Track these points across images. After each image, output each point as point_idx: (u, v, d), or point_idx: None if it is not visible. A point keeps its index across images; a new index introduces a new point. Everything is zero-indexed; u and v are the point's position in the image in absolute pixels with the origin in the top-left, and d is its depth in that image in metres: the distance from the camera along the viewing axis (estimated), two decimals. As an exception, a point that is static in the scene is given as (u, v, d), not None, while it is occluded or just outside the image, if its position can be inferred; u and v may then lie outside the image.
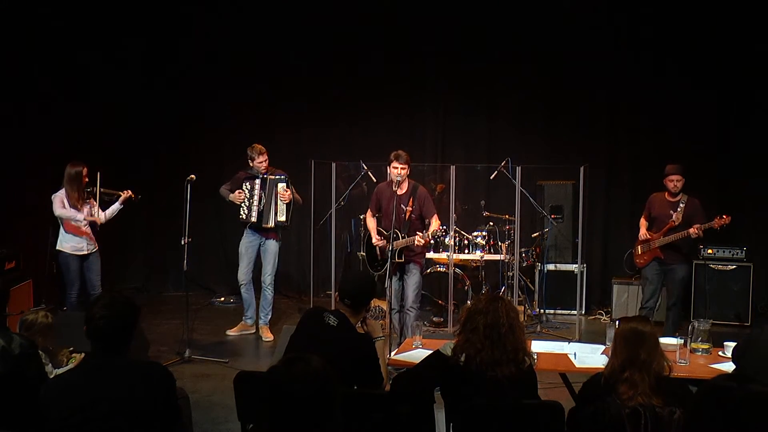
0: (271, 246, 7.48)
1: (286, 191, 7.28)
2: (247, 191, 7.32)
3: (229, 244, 8.10)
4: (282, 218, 7.33)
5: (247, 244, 7.52)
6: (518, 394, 3.51)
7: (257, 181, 7.31)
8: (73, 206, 6.82)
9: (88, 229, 6.89)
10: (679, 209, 7.00)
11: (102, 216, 6.98)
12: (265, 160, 7.31)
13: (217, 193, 7.58)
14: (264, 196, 7.30)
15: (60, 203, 6.82)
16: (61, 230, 6.89)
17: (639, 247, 7.24)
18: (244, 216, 7.37)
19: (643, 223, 7.29)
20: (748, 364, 3.51)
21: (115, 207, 7.01)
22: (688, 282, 7.39)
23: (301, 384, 2.42)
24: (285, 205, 7.30)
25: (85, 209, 6.90)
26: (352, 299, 4.12)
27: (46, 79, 8.63)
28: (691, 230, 6.82)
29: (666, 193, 7.11)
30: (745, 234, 8.58)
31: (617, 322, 3.68)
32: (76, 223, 6.83)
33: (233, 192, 7.37)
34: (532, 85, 9.15)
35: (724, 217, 6.79)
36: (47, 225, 8.34)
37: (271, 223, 7.34)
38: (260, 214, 7.31)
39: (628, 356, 3.39)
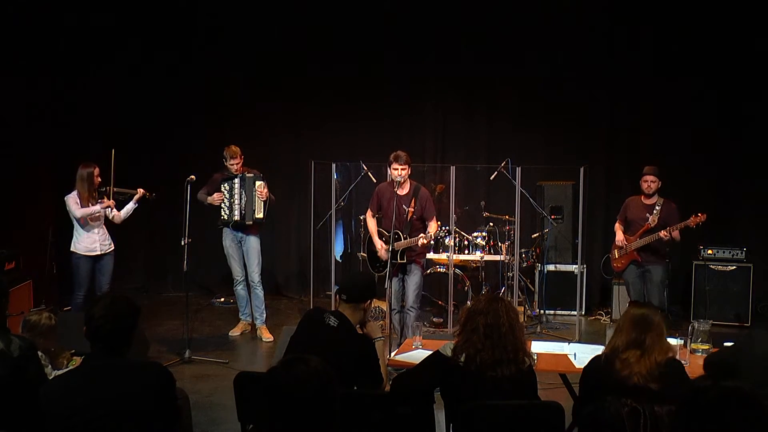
0: (253, 243, 7.51)
1: (264, 189, 7.33)
2: (226, 192, 7.35)
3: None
4: (260, 215, 7.39)
5: (230, 244, 7.55)
6: (518, 395, 3.52)
7: (236, 180, 7.34)
8: (84, 207, 6.83)
9: (102, 224, 6.87)
10: (655, 212, 6.99)
11: (117, 215, 6.99)
12: (238, 163, 7.35)
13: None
14: (245, 195, 7.34)
15: (74, 204, 6.82)
16: (76, 231, 6.88)
17: (615, 251, 7.24)
18: (225, 216, 7.40)
19: (618, 227, 7.29)
20: (744, 372, 3.51)
21: (130, 206, 7.03)
22: (668, 281, 7.24)
23: (300, 385, 2.42)
24: (262, 202, 7.36)
25: (104, 205, 6.91)
26: (348, 293, 4.11)
27: (46, 79, 8.64)
28: (662, 233, 6.81)
29: (642, 196, 7.12)
30: (745, 234, 8.58)
31: (627, 305, 3.81)
32: (97, 215, 6.81)
33: (211, 194, 7.39)
34: (532, 85, 9.15)
35: (700, 215, 6.75)
36: (47, 225, 8.36)
37: (251, 221, 7.37)
38: (242, 211, 7.35)
39: (633, 338, 3.52)
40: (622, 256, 7.19)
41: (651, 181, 6.99)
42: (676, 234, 6.84)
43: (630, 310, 3.67)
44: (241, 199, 7.34)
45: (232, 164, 7.34)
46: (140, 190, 7.01)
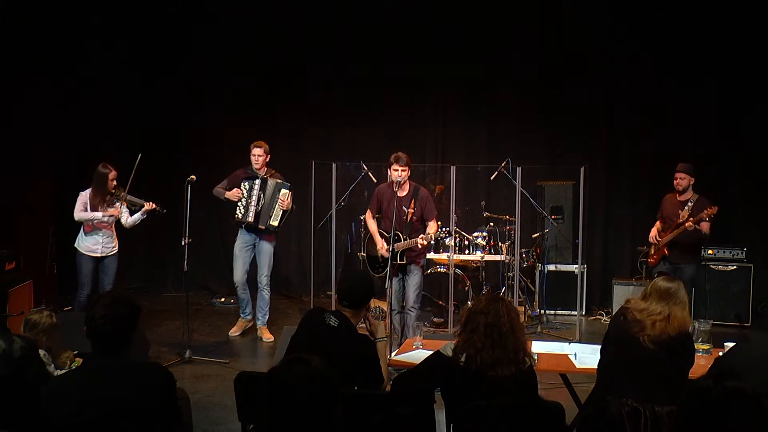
0: (266, 247, 7.46)
1: (288, 199, 7.29)
2: (245, 191, 7.31)
3: (229, 245, 8.09)
4: (275, 223, 7.32)
5: (241, 245, 7.50)
6: (519, 395, 3.51)
7: (257, 181, 7.30)
8: (93, 206, 6.85)
9: (109, 227, 6.88)
10: (686, 208, 7.02)
11: (128, 219, 7.02)
12: (260, 156, 7.28)
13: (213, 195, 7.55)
14: (263, 197, 7.30)
15: (81, 205, 6.85)
16: (81, 229, 6.92)
17: (651, 246, 7.30)
18: (240, 215, 7.35)
19: (657, 225, 7.32)
20: (744, 375, 3.54)
21: (137, 217, 7.02)
22: (695, 282, 7.38)
23: (301, 385, 2.42)
24: (282, 211, 7.30)
25: (107, 212, 6.91)
26: (350, 300, 4.12)
27: (46, 79, 8.63)
28: (687, 224, 6.84)
29: (676, 193, 7.14)
30: (746, 234, 8.58)
31: (656, 275, 3.95)
32: (98, 221, 6.83)
33: (230, 190, 7.36)
34: (533, 86, 9.15)
35: (712, 207, 6.79)
36: (47, 225, 8.36)
37: (264, 225, 7.32)
38: (257, 214, 7.31)
39: (655, 308, 3.70)
40: (655, 252, 7.24)
41: (680, 179, 7.03)
42: (704, 226, 6.85)
43: (658, 281, 3.81)
44: (258, 201, 7.29)
45: (254, 155, 7.28)
46: (151, 204, 6.98)
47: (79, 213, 6.85)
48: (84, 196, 6.87)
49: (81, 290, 6.93)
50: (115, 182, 6.88)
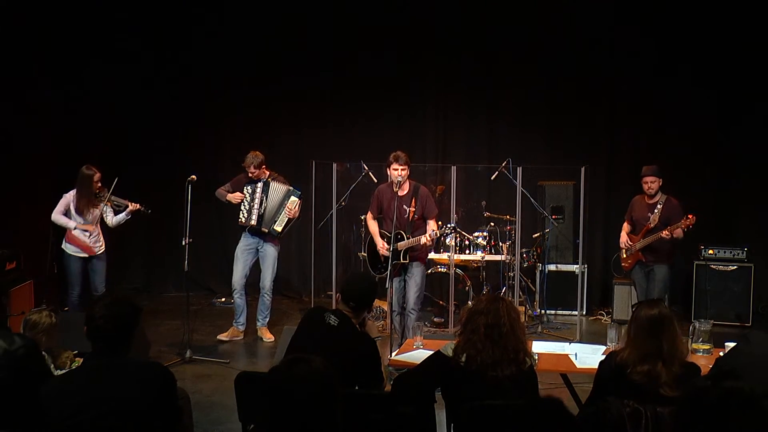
0: (270, 251, 7.42)
1: (296, 208, 7.25)
2: (248, 194, 7.28)
3: (230, 245, 8.13)
4: (278, 228, 7.27)
5: (243, 247, 7.46)
6: (519, 395, 3.51)
7: (259, 184, 7.27)
8: (77, 208, 6.85)
9: (83, 238, 6.88)
10: (656, 211, 6.99)
11: (112, 219, 7.03)
12: (252, 172, 7.19)
13: (214, 195, 7.54)
14: (266, 200, 7.28)
15: (62, 206, 6.88)
16: (68, 230, 6.95)
17: (623, 251, 7.26)
18: (243, 219, 7.32)
19: (625, 227, 7.30)
20: (746, 374, 3.50)
21: (122, 217, 7.04)
22: (670, 282, 7.27)
23: (302, 384, 2.42)
24: (287, 218, 7.27)
25: (92, 214, 6.91)
26: (356, 301, 4.12)
27: (46, 79, 8.63)
28: (663, 233, 6.82)
29: (645, 195, 7.11)
30: (746, 234, 8.58)
31: (633, 309, 3.61)
32: (70, 229, 6.87)
33: (233, 193, 7.33)
34: (532, 85, 9.14)
35: (689, 217, 6.74)
36: (47, 225, 8.35)
37: (267, 229, 7.29)
38: (260, 217, 7.29)
39: (649, 348, 3.39)
40: (628, 257, 7.23)
41: (651, 182, 6.99)
42: (678, 232, 6.83)
43: (640, 314, 3.50)
44: (261, 204, 7.25)
45: (251, 173, 7.21)
46: (135, 205, 6.99)
47: (57, 215, 6.89)
48: (68, 197, 6.89)
49: (71, 290, 6.98)
50: (99, 183, 6.89)
